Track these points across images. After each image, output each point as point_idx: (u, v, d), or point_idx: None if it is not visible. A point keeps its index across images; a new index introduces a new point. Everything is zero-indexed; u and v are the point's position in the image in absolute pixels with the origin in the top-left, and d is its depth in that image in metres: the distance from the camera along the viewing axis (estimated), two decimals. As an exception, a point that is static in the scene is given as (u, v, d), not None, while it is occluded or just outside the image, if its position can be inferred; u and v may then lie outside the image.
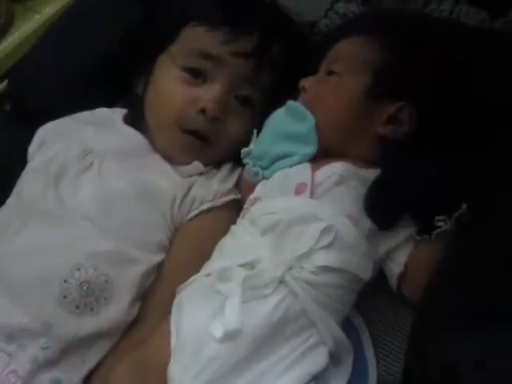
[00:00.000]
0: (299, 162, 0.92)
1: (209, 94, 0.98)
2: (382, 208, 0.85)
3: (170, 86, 1.01)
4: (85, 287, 0.86)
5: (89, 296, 0.87)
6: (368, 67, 0.92)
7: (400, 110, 0.90)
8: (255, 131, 0.97)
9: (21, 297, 0.85)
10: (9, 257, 0.89)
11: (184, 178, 0.99)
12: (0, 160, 1.11)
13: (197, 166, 1.00)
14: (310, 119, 0.92)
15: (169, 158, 1.01)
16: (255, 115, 1.02)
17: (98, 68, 1.15)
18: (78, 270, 0.87)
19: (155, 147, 1.02)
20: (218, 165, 1.03)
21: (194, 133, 0.99)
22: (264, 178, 0.95)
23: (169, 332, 0.81)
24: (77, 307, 0.86)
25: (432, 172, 0.84)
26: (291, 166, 0.92)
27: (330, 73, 0.95)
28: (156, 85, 1.04)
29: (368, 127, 0.91)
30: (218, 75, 0.99)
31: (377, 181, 0.86)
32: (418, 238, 0.85)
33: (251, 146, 0.97)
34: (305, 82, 0.96)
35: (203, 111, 0.97)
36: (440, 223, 0.83)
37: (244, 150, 0.97)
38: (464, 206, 0.83)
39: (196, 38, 1.01)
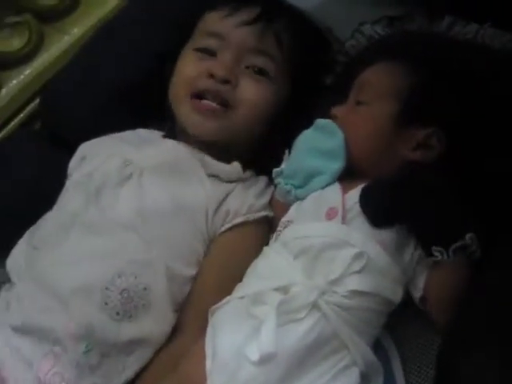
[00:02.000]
0: (330, 179, 0.93)
1: (217, 62, 1.03)
2: (374, 205, 0.87)
3: (184, 64, 1.07)
4: (125, 294, 0.89)
5: (128, 303, 0.89)
6: (395, 95, 0.93)
7: (429, 136, 0.91)
8: (287, 151, 0.99)
9: (66, 302, 0.88)
10: (53, 265, 0.92)
11: (223, 182, 1.01)
12: (30, 179, 1.15)
13: (236, 167, 1.02)
14: (340, 134, 0.93)
15: (213, 150, 1.03)
16: (273, 87, 1.05)
17: (131, 86, 1.19)
18: (120, 277, 0.90)
19: (190, 145, 1.04)
20: (254, 175, 1.06)
21: (205, 95, 1.02)
22: (296, 197, 0.96)
23: (204, 355, 0.83)
24: (117, 313, 0.89)
25: (440, 198, 0.86)
26: (323, 185, 0.94)
27: (359, 103, 0.96)
28: (176, 68, 1.09)
29: (398, 152, 0.92)
30: (226, 50, 1.04)
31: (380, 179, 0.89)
32: (431, 261, 0.86)
33: (283, 165, 0.99)
34: (336, 111, 0.97)
35: (212, 76, 1.01)
36: (436, 253, 0.84)
37: (275, 170, 0.98)
38: (468, 237, 0.84)
39: (203, 21, 1.09)
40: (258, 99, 1.03)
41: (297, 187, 0.96)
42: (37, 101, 1.27)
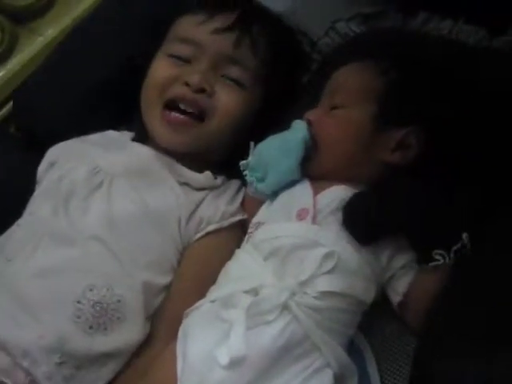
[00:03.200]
0: (284, 175, 0.92)
1: (192, 69, 1.01)
2: (360, 221, 0.85)
3: (156, 69, 1.05)
4: (98, 307, 0.88)
5: (102, 316, 0.88)
6: (371, 96, 0.91)
7: (408, 135, 0.90)
8: (252, 143, 0.97)
9: (36, 314, 0.87)
10: (23, 276, 0.90)
11: (195, 190, 1.00)
12: (5, 182, 1.12)
13: (207, 176, 1.01)
14: (302, 132, 0.92)
15: (184, 158, 1.02)
16: (248, 95, 1.03)
17: (104, 87, 1.17)
18: (91, 290, 0.88)
19: (160, 153, 1.02)
20: (225, 181, 1.04)
21: (177, 103, 1.00)
22: (257, 190, 0.95)
23: (174, 358, 0.82)
24: (90, 327, 0.87)
25: (433, 202, 0.85)
26: (277, 180, 0.93)
27: (334, 107, 0.95)
28: (149, 73, 1.06)
29: (375, 155, 0.91)
30: (201, 57, 1.01)
31: (362, 193, 0.87)
32: (417, 266, 0.86)
33: (249, 158, 0.97)
34: (310, 116, 0.95)
35: (187, 84, 0.99)
36: (438, 257, 0.84)
37: (242, 163, 0.97)
38: (464, 237, 0.84)
39: (177, 27, 1.07)
40: (233, 108, 1.02)
41: (259, 180, 0.95)
42: (11, 103, 1.25)
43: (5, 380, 0.82)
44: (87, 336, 0.87)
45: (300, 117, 0.97)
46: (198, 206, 0.98)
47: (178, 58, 1.03)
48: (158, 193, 0.98)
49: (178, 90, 1.00)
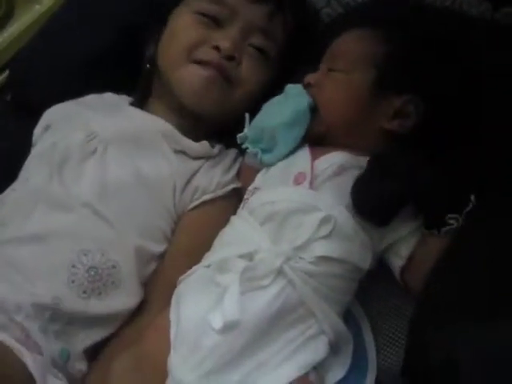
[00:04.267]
0: (293, 144, 0.91)
1: (224, 35, 0.99)
2: (376, 200, 0.83)
3: (184, 26, 1.02)
4: (92, 272, 0.88)
5: (96, 281, 0.88)
6: (370, 62, 0.90)
7: (406, 103, 0.89)
8: (247, 115, 0.95)
9: (30, 278, 0.86)
10: (18, 242, 0.90)
11: (191, 159, 0.99)
12: (3, 149, 1.12)
13: (204, 145, 1.00)
14: (305, 99, 0.91)
15: (187, 111, 1.00)
16: (271, 68, 1.03)
17: (100, 56, 1.15)
18: (86, 255, 0.88)
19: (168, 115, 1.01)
20: (222, 150, 1.03)
21: (209, 64, 0.98)
22: (262, 161, 0.94)
23: (167, 324, 0.81)
24: (84, 292, 0.87)
25: (440, 169, 0.84)
26: (286, 151, 0.91)
27: (332, 70, 0.93)
28: (170, 31, 1.04)
29: (374, 122, 0.90)
30: (233, 22, 1.00)
31: (370, 170, 0.85)
32: (426, 231, 0.85)
33: (245, 129, 0.95)
34: (310, 78, 0.94)
35: (218, 49, 0.98)
36: (451, 221, 0.83)
37: (239, 136, 0.95)
38: (472, 198, 0.83)
39: None
40: (258, 80, 1.01)
41: (263, 151, 0.93)
42: (7, 71, 1.24)
43: (2, 334, 0.82)
44: (81, 300, 0.87)
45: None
46: (193, 175, 0.97)
47: (208, 16, 1.00)
48: (152, 160, 0.97)
49: (208, 54, 0.98)
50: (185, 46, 1.00)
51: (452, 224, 0.83)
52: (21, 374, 0.78)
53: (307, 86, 0.94)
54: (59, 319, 0.86)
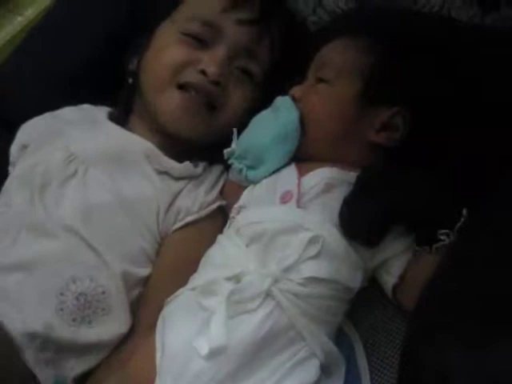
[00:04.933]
0: (282, 161, 0.89)
1: (211, 57, 0.97)
2: (364, 221, 0.81)
3: (169, 46, 0.99)
4: (82, 299, 0.86)
5: (86, 309, 0.86)
6: (357, 73, 0.89)
7: (394, 115, 0.87)
8: (235, 130, 0.94)
9: (19, 307, 0.84)
10: (4, 270, 0.87)
11: (174, 179, 0.96)
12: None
13: (187, 166, 0.98)
14: (294, 113, 0.90)
15: (168, 133, 0.98)
16: (256, 89, 1.01)
17: (82, 69, 1.13)
18: (74, 282, 0.86)
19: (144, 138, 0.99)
20: (206, 168, 1.01)
21: (194, 89, 0.96)
22: (247, 179, 0.92)
23: (153, 350, 0.79)
24: (73, 320, 0.85)
25: (432, 184, 0.83)
26: (273, 168, 0.90)
27: (319, 80, 0.92)
28: (155, 48, 1.02)
29: (360, 135, 0.88)
30: (219, 43, 0.97)
31: (357, 188, 0.83)
32: (417, 248, 0.84)
33: (233, 145, 0.94)
34: (295, 92, 0.93)
35: (204, 73, 0.95)
36: (442, 237, 0.81)
37: (226, 151, 0.94)
38: (464, 212, 0.82)
39: (197, 5, 1.01)
40: (243, 104, 0.99)
41: (249, 168, 0.91)
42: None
43: None
44: (71, 328, 0.85)
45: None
46: (176, 196, 0.95)
47: (195, 38, 0.98)
48: (134, 181, 0.94)
49: (194, 78, 0.96)
50: (170, 68, 0.97)
51: (443, 240, 0.81)
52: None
53: (293, 99, 0.92)
54: (49, 347, 0.84)
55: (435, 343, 0.75)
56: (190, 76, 0.96)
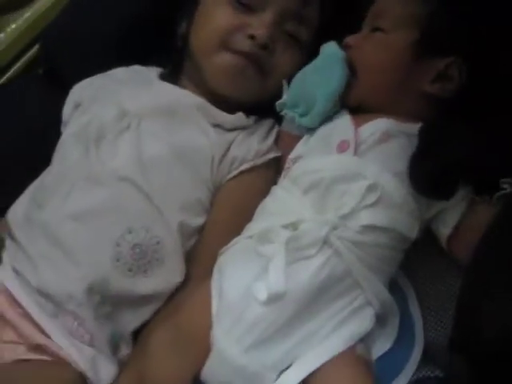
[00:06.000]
0: (326, 106, 0.89)
1: (259, 21, 0.96)
2: (434, 177, 0.80)
3: (218, 11, 0.98)
4: (137, 250, 0.87)
5: (141, 259, 0.87)
6: (415, 22, 0.87)
7: (449, 65, 0.86)
8: (285, 81, 0.94)
9: (75, 258, 0.86)
10: (61, 221, 0.88)
11: (226, 130, 0.97)
12: (34, 124, 1.10)
13: (240, 117, 0.98)
14: (339, 52, 0.90)
15: (217, 94, 0.98)
16: (304, 53, 1.00)
17: (132, 28, 1.13)
18: (130, 233, 0.87)
19: (200, 90, 0.99)
20: (258, 119, 1.01)
21: (243, 55, 0.96)
22: (300, 124, 0.92)
23: (208, 297, 0.79)
24: (129, 270, 0.86)
25: (493, 133, 0.81)
26: (323, 109, 0.89)
27: (375, 30, 0.90)
28: (204, 12, 1.01)
29: (415, 84, 0.87)
30: (268, 7, 0.96)
31: (424, 144, 0.82)
32: (477, 199, 0.83)
33: (284, 96, 0.94)
34: (350, 39, 0.92)
35: (252, 37, 0.95)
36: (505, 185, 0.80)
37: (278, 103, 0.94)
38: None
39: None
40: (291, 68, 0.98)
41: (301, 115, 0.91)
42: (37, 45, 1.22)
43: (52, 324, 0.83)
44: (127, 278, 0.86)
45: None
46: (230, 146, 0.95)
47: (241, 3, 0.97)
48: (187, 133, 0.95)
49: (242, 43, 0.95)
50: (218, 33, 0.97)
51: (505, 189, 0.80)
52: (72, 372, 0.80)
53: (347, 48, 0.91)
54: (108, 302, 0.85)
55: (495, 299, 0.74)
56: (240, 43, 0.96)
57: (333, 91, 0.88)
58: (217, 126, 0.97)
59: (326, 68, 0.89)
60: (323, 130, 0.89)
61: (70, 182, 0.91)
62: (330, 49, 0.92)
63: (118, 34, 1.13)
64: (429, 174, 0.80)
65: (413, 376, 0.84)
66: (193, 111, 0.97)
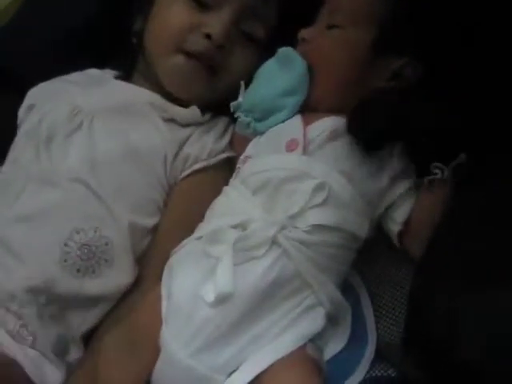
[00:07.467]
0: (289, 114, 0.88)
1: (216, 19, 0.94)
2: (367, 126, 0.81)
3: (174, 9, 0.97)
4: (85, 250, 0.86)
5: (90, 259, 0.86)
6: (373, 20, 0.86)
7: (405, 65, 0.86)
8: (243, 83, 0.93)
9: (22, 258, 0.85)
10: (9, 221, 0.88)
11: (181, 127, 0.96)
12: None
13: (194, 111, 0.97)
14: (301, 64, 0.88)
15: (170, 94, 0.98)
16: (260, 51, 0.99)
17: (83, 30, 1.13)
18: (78, 233, 0.86)
19: (152, 90, 0.99)
20: (213, 117, 1.00)
21: (197, 57, 0.95)
22: (255, 130, 0.91)
23: (159, 299, 0.79)
24: (78, 270, 0.85)
25: (433, 113, 0.81)
26: (282, 120, 0.89)
27: (331, 27, 0.90)
28: (159, 9, 1.00)
29: (370, 83, 0.87)
30: (226, 4, 0.95)
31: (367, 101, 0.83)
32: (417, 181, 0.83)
33: (240, 98, 0.93)
34: (305, 33, 0.91)
35: (208, 37, 0.94)
36: (436, 170, 0.80)
37: (233, 104, 0.93)
38: (463, 155, 0.81)
39: None
40: (246, 69, 0.97)
41: (256, 120, 0.90)
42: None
43: None
44: (75, 279, 0.85)
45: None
46: (184, 143, 0.95)
47: (197, 1, 0.96)
48: (141, 130, 0.94)
49: (199, 45, 0.94)
50: (173, 33, 0.96)
51: (436, 174, 0.80)
52: (18, 374, 0.78)
53: (301, 42, 0.91)
54: (54, 302, 0.84)
55: (444, 294, 0.74)
56: (195, 43, 0.95)
57: (298, 102, 0.88)
58: (171, 120, 0.96)
59: (289, 80, 0.88)
60: (274, 130, 0.89)
61: (20, 184, 0.91)
62: (288, 55, 0.90)
63: (69, 37, 1.13)
64: (363, 120, 0.81)
65: (365, 375, 0.84)
66: (147, 108, 0.96)
